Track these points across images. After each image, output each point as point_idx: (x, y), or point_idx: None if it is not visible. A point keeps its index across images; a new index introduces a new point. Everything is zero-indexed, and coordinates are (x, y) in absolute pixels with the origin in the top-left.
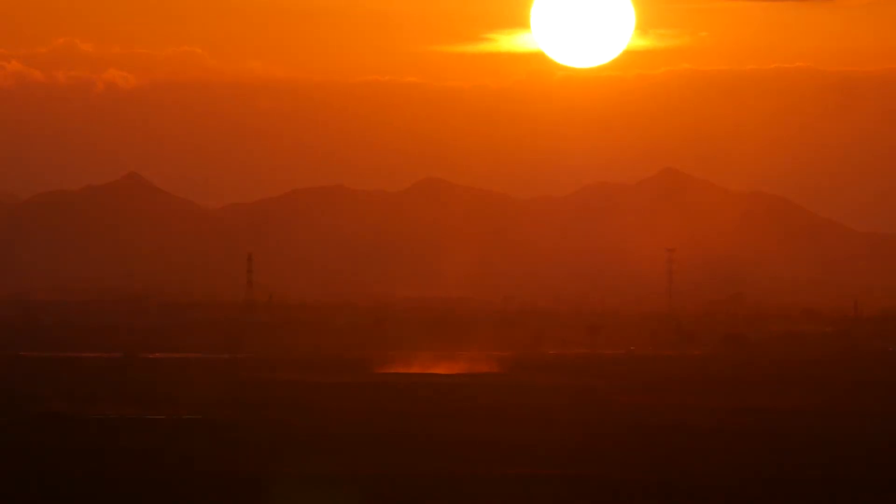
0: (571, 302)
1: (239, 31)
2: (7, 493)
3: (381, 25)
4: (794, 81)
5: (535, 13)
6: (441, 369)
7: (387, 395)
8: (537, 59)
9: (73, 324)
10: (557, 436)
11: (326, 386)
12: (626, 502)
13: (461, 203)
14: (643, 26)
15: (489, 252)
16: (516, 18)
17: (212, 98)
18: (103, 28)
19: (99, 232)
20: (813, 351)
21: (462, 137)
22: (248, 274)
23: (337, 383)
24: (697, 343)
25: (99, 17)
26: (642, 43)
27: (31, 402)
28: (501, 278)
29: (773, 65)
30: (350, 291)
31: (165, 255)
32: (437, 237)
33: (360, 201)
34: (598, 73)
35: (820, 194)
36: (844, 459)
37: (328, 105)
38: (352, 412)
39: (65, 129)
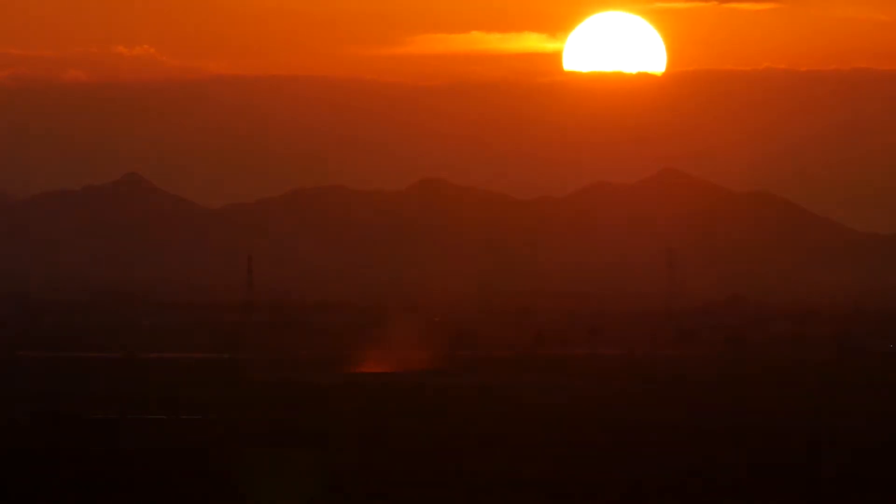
0: (571, 301)
1: (189, 29)
2: (7, 494)
3: (379, 24)
4: (796, 81)
5: (579, 29)
6: (434, 368)
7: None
8: (537, 60)
9: (73, 324)
10: (550, 435)
11: (319, 387)
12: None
13: (461, 203)
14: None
15: (489, 252)
16: (516, 18)
17: (209, 98)
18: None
19: (99, 232)
20: (813, 351)
21: (462, 137)
22: (248, 274)
23: (335, 384)
24: (697, 343)
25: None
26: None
27: (31, 402)
28: (501, 278)
29: (775, 65)
30: (350, 291)
31: (165, 255)
32: (437, 237)
33: (360, 201)
34: (598, 73)
35: (820, 194)
36: (844, 459)
37: (325, 104)
38: (356, 412)
39: (65, 129)
